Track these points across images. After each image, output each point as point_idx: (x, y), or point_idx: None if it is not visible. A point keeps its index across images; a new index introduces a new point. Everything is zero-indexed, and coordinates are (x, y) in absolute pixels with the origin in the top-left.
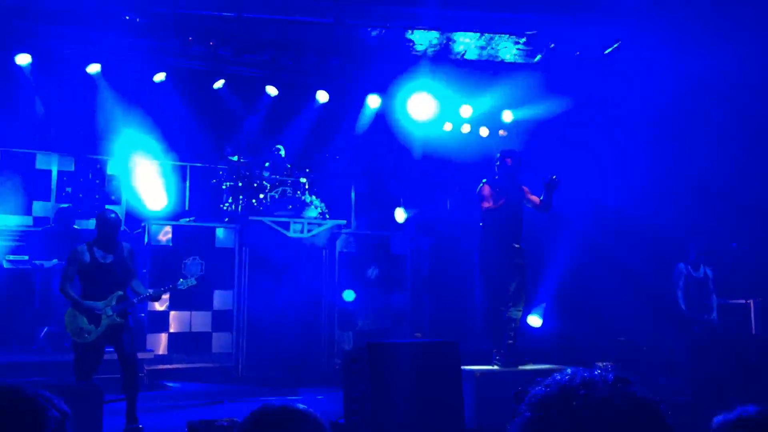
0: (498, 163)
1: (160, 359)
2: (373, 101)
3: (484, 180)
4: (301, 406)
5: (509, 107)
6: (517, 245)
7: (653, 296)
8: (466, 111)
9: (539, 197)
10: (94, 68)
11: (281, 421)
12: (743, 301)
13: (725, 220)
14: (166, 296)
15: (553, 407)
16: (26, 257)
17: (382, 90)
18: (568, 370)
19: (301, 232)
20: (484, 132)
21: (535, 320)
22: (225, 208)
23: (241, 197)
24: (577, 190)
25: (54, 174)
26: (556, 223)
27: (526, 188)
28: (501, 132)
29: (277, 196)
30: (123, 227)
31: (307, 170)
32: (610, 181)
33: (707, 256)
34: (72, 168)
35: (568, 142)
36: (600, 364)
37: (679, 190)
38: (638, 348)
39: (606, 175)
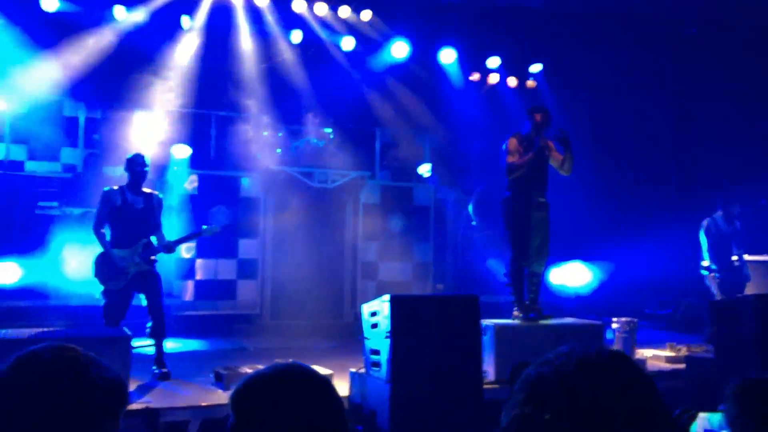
0: (527, 118)
1: (187, 306)
2: (399, 50)
3: (512, 134)
4: (308, 367)
5: (538, 58)
6: (542, 199)
7: (677, 252)
8: (493, 61)
9: (560, 155)
10: (120, 13)
11: (287, 381)
12: None
13: (756, 175)
14: (191, 244)
15: (548, 394)
16: (55, 203)
17: (409, 38)
18: (564, 349)
19: (326, 182)
20: (512, 82)
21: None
22: (250, 157)
23: (265, 147)
24: (605, 139)
25: (81, 121)
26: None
27: (552, 144)
28: (529, 83)
29: (302, 146)
30: (149, 175)
31: (332, 120)
32: (640, 133)
33: (737, 209)
34: (98, 116)
35: (596, 90)
36: (615, 320)
37: (707, 144)
38: (662, 304)
39: (636, 127)
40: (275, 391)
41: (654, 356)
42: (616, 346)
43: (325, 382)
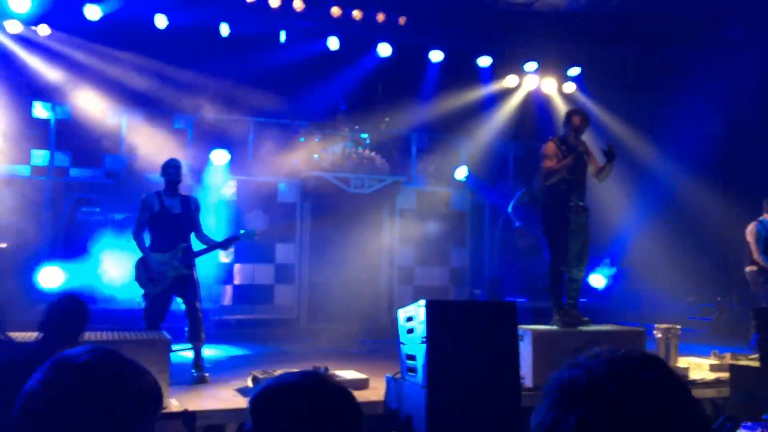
0: (565, 121)
1: (225, 310)
2: (435, 55)
3: (549, 138)
4: (327, 375)
5: (575, 61)
6: (581, 203)
7: (722, 256)
8: (529, 66)
9: (599, 164)
10: (161, 21)
11: (305, 388)
12: None
13: None
14: (230, 250)
15: (576, 396)
16: (97, 209)
17: (445, 43)
18: (595, 351)
19: (362, 187)
20: (549, 86)
21: (598, 279)
22: (287, 163)
23: (302, 152)
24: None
25: (123, 128)
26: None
27: (590, 150)
28: (567, 86)
29: (338, 152)
30: (189, 180)
31: (369, 125)
32: (682, 135)
33: None
34: (140, 122)
35: (634, 92)
36: (656, 326)
37: (754, 146)
38: (705, 309)
39: (678, 129)
40: (293, 399)
41: (697, 364)
42: (658, 354)
43: (344, 392)
